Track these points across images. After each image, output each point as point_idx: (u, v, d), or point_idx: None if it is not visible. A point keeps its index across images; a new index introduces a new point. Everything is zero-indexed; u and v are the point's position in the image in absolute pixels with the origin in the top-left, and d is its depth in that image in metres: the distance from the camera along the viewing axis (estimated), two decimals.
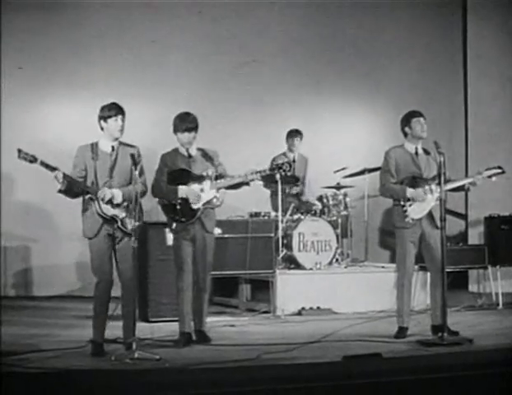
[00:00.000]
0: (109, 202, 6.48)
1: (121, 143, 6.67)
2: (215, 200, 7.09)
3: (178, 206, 6.99)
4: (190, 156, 7.13)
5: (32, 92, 10.34)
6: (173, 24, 10.97)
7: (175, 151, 7.17)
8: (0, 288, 10.04)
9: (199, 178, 7.05)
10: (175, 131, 7.10)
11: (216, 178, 7.10)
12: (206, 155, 7.17)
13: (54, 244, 10.28)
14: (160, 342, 7.02)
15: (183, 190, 6.99)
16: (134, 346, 6.24)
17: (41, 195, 9.85)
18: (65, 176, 6.33)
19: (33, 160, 6.28)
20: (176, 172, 7.06)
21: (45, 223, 10.18)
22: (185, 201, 7.00)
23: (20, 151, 6.30)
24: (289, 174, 7.34)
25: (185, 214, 7.00)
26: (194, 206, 7.01)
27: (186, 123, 7.05)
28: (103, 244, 6.52)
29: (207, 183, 7.05)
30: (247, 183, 7.20)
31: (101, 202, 6.45)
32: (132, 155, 6.49)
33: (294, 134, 10.36)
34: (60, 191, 6.39)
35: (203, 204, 7.05)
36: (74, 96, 10.37)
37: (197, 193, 7.01)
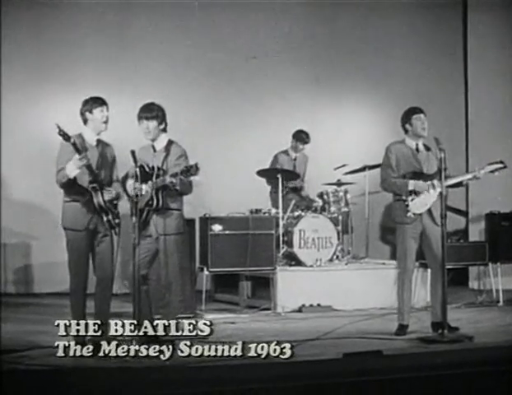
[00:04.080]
0: (115, 198, 6.49)
1: (100, 140, 6.64)
2: (150, 202, 6.63)
3: (132, 205, 6.57)
4: (155, 151, 6.80)
5: (32, 90, 10.35)
6: (173, 22, 10.97)
7: (148, 144, 6.87)
8: (0, 285, 10.04)
9: (147, 176, 6.65)
10: (138, 121, 6.79)
11: (157, 176, 6.62)
12: (167, 151, 6.77)
13: (55, 241, 10.20)
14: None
15: (129, 185, 6.67)
16: (134, 343, 6.24)
17: (41, 192, 9.86)
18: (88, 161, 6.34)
19: (67, 138, 6.30)
20: (138, 167, 6.60)
21: (46, 220, 10.16)
22: (137, 199, 6.55)
23: (58, 126, 6.30)
24: (197, 178, 6.60)
25: (135, 213, 6.46)
26: (139, 206, 6.52)
27: (144, 111, 6.74)
28: (85, 239, 6.48)
29: (149, 183, 6.63)
30: (174, 187, 6.60)
31: (105, 192, 6.44)
32: (133, 152, 6.46)
33: (302, 139, 10.27)
34: (64, 183, 6.36)
35: (144, 205, 6.64)
36: (70, 93, 10.35)
37: (139, 189, 6.51)
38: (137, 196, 6.44)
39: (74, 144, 6.31)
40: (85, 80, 10.28)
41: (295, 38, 11.46)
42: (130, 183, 6.62)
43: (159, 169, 6.65)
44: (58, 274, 10.18)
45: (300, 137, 10.30)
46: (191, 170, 6.39)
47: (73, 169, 6.33)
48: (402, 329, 7.35)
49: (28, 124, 10.15)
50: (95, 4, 10.59)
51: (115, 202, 6.56)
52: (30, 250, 10.34)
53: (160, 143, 6.80)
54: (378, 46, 11.80)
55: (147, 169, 6.66)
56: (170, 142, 6.81)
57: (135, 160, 6.44)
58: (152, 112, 6.74)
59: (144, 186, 6.55)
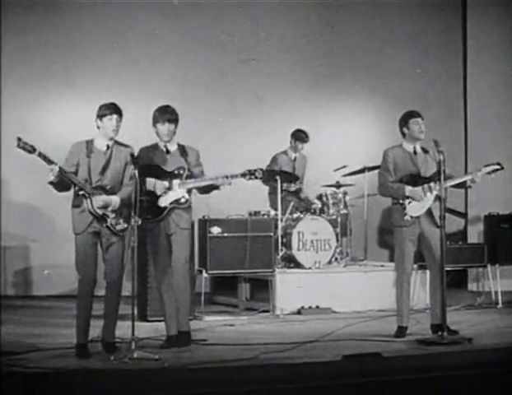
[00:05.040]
0: (105, 207, 6.47)
1: (116, 142, 6.65)
2: (182, 200, 6.88)
3: (145, 203, 6.76)
4: (168, 152, 6.97)
5: (31, 91, 10.35)
6: (172, 23, 10.98)
7: (154, 146, 7.01)
8: (0, 287, 10.04)
9: (170, 176, 6.88)
10: (155, 122, 6.93)
11: (187, 177, 6.92)
12: (184, 153, 7.00)
13: (54, 244, 10.26)
14: (160, 342, 7.00)
15: (150, 183, 6.83)
16: (133, 345, 6.25)
17: (41, 195, 9.83)
18: (61, 171, 6.29)
19: (31, 150, 6.23)
20: (148, 166, 6.85)
21: (45, 223, 10.17)
22: (153, 197, 6.82)
23: (19, 139, 6.25)
24: (260, 181, 7.13)
25: (151, 211, 6.79)
26: (161, 204, 6.83)
27: (167, 114, 6.91)
28: (89, 241, 6.49)
29: (176, 182, 6.88)
30: (217, 187, 7.00)
31: (93, 200, 6.44)
32: (132, 154, 6.49)
33: (302, 138, 10.24)
34: (50, 183, 6.37)
35: (171, 203, 6.87)
36: (71, 95, 10.38)
37: (164, 188, 6.84)
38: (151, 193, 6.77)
39: (40, 155, 6.26)
40: (86, 83, 10.29)
41: (294, 40, 11.48)
42: (153, 181, 6.80)
43: (188, 170, 6.89)
44: (57, 276, 10.22)
45: (299, 136, 10.29)
46: (255, 173, 6.84)
47: (52, 178, 6.35)
48: (401, 331, 7.35)
49: (28, 127, 10.13)
50: (95, 6, 10.59)
51: (111, 209, 6.52)
52: (30, 253, 10.34)
53: (173, 145, 6.99)
54: (377, 48, 11.81)
55: (172, 169, 6.87)
56: (181, 145, 7.02)
57: (135, 163, 6.46)
58: (173, 114, 6.94)
59: (166, 183, 6.82)
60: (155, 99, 10.52)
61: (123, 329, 6.70)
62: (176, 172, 6.89)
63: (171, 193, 6.85)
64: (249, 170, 6.89)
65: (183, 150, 7.00)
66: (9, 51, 10.10)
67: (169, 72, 10.87)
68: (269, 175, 9.87)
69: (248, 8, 11.25)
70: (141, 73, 10.70)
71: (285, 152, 10.36)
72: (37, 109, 10.35)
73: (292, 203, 9.93)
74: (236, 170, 10.23)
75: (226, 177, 6.87)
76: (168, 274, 6.94)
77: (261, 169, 6.94)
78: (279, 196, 9.50)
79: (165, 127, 6.90)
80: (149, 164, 6.86)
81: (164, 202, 6.85)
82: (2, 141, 9.76)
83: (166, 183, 6.85)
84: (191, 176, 6.94)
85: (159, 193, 6.82)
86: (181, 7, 10.97)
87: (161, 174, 6.87)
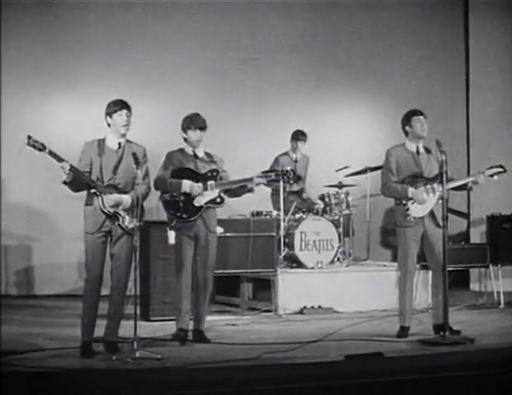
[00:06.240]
0: (115, 205, 6.47)
1: (128, 141, 6.66)
2: (218, 199, 7.14)
3: (180, 203, 7.03)
4: (197, 157, 7.20)
5: (33, 91, 10.35)
6: (174, 22, 10.99)
7: (182, 150, 7.24)
8: (1, 287, 10.05)
9: (204, 177, 7.11)
10: (186, 129, 7.16)
11: (221, 178, 7.18)
12: (212, 159, 7.27)
13: (56, 243, 10.29)
14: (162, 342, 7.01)
15: (186, 184, 7.02)
16: (135, 345, 6.25)
17: (43, 194, 9.86)
18: (72, 168, 6.29)
19: (42, 148, 6.23)
20: (181, 169, 7.11)
21: (47, 222, 10.17)
22: (188, 197, 7.04)
23: (29, 137, 6.24)
24: (292, 181, 7.45)
25: (187, 211, 7.03)
26: (197, 204, 7.06)
27: (199, 121, 7.17)
28: (99, 241, 6.49)
29: (211, 183, 7.10)
30: (250, 190, 7.26)
31: (105, 198, 6.44)
32: (134, 154, 6.47)
33: (299, 137, 10.30)
34: (64, 182, 6.36)
35: (206, 202, 7.09)
36: (76, 95, 10.39)
37: (201, 190, 7.06)
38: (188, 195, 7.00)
39: (50, 153, 6.26)
40: (87, 83, 10.30)
41: (295, 39, 11.48)
42: (188, 183, 7.02)
43: (218, 172, 7.16)
44: (59, 276, 10.23)
45: (296, 135, 10.31)
46: (287, 174, 7.21)
47: (64, 177, 6.35)
48: (403, 331, 7.34)
49: (29, 127, 10.12)
50: (98, 6, 10.59)
51: (122, 207, 6.51)
52: (32, 252, 10.34)
53: (200, 151, 7.25)
54: (379, 47, 11.82)
55: (204, 172, 7.13)
56: (207, 152, 7.29)
57: (136, 163, 6.46)
58: (204, 123, 7.21)
59: (207, 185, 7.07)
60: (158, 100, 10.62)
61: (125, 329, 6.70)
62: (209, 174, 7.13)
63: (206, 193, 7.09)
64: (283, 171, 7.25)
65: (210, 156, 7.28)
66: (10, 51, 10.11)
67: (170, 73, 10.86)
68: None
69: (250, 8, 11.26)
70: (142, 73, 10.70)
71: (286, 153, 10.38)
72: (38, 109, 10.35)
73: (295, 204, 9.93)
74: (237, 172, 10.28)
75: (261, 176, 7.17)
76: (188, 271, 7.08)
77: (292, 170, 7.29)
78: (281, 195, 9.50)
79: (196, 135, 7.15)
80: (182, 167, 7.11)
81: (199, 201, 7.07)
82: (3, 141, 9.79)
83: (201, 185, 7.06)
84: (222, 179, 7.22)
85: (195, 194, 7.02)
86: (183, 8, 10.98)
87: (195, 177, 7.10)
